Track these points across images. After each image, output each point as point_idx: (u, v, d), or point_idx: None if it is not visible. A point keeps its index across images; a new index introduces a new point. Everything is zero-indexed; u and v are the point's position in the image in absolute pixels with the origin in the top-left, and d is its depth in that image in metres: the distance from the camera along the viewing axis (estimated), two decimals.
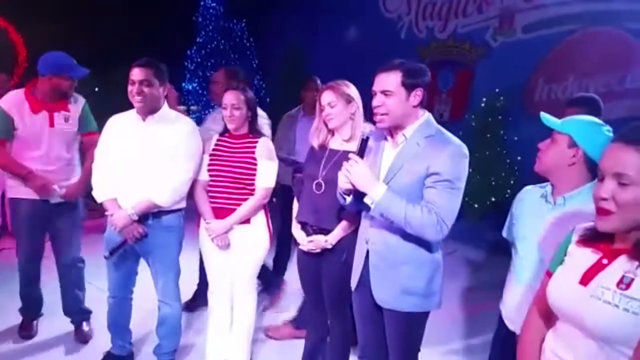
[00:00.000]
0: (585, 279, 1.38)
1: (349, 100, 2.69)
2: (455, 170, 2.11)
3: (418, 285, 2.25)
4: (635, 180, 1.27)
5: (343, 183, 2.16)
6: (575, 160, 1.86)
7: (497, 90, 6.66)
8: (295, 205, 2.95)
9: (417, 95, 2.16)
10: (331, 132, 2.77)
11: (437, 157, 2.11)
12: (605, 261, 1.37)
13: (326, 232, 2.71)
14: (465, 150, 2.16)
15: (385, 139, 2.30)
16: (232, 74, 4.08)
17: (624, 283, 1.29)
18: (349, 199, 2.25)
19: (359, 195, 2.22)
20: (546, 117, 1.91)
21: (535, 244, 1.94)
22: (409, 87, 2.13)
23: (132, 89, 2.85)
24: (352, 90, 2.72)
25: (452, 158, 2.12)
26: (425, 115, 2.24)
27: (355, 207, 2.34)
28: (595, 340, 1.35)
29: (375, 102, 2.17)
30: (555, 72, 6.51)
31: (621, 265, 1.33)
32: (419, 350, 2.45)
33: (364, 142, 2.14)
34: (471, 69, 7.34)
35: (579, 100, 3.30)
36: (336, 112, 2.67)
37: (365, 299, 2.38)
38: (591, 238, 1.42)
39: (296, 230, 2.87)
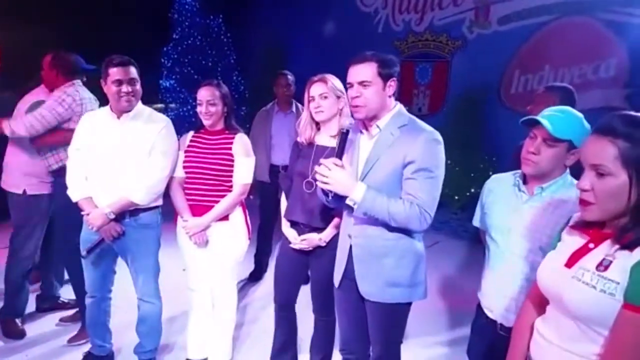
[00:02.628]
0: (570, 262, 1.43)
1: (338, 95, 2.69)
2: (431, 157, 2.13)
3: (403, 276, 2.27)
4: (611, 170, 1.30)
5: (322, 184, 2.14)
6: (573, 161, 1.86)
7: (474, 82, 6.70)
8: (283, 202, 2.94)
9: (392, 85, 2.19)
10: (317, 127, 2.76)
11: (412, 145, 2.12)
12: (591, 245, 1.40)
13: (318, 230, 2.71)
14: (439, 137, 2.18)
15: (361, 132, 2.31)
16: (56, 63, 3.50)
17: (603, 265, 1.33)
18: (330, 196, 2.23)
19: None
20: (548, 126, 1.85)
21: (512, 233, 1.96)
22: (384, 77, 2.16)
23: (119, 88, 2.79)
24: (341, 85, 2.70)
25: (426, 145, 2.13)
26: (398, 106, 2.26)
27: (338, 204, 2.34)
28: (575, 320, 1.39)
29: (352, 93, 2.18)
30: (531, 63, 6.57)
31: (605, 249, 1.37)
32: (401, 342, 2.46)
33: (344, 136, 2.13)
34: (448, 62, 7.38)
35: (556, 88, 3.34)
36: (327, 105, 2.67)
37: (349, 293, 2.39)
38: (583, 224, 1.46)
39: (286, 229, 2.85)
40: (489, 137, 6.56)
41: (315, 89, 2.69)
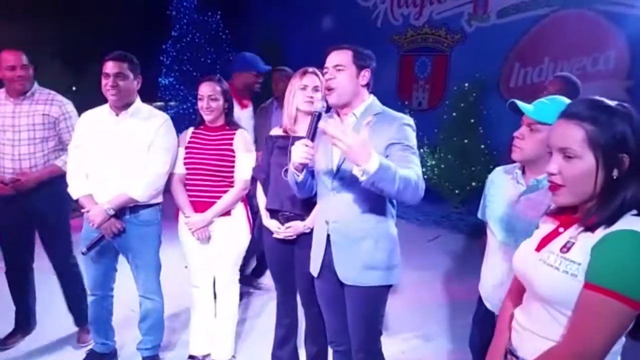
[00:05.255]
0: (540, 246, 1.45)
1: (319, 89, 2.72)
2: (410, 138, 2.21)
3: (380, 259, 2.29)
4: (579, 153, 1.31)
5: (299, 158, 2.15)
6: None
7: (474, 75, 6.70)
8: (261, 196, 2.93)
9: (365, 75, 2.27)
10: (295, 120, 2.77)
11: (389, 130, 2.19)
12: (561, 229, 1.42)
13: (300, 217, 2.72)
14: (412, 122, 2.27)
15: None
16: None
17: (567, 247, 1.35)
18: (301, 176, 2.26)
19: (312, 171, 2.29)
20: (527, 109, 1.89)
21: (508, 225, 1.98)
22: (359, 66, 2.24)
23: (106, 82, 2.81)
24: None
25: (403, 128, 2.21)
26: (372, 97, 2.33)
27: (308, 185, 2.37)
28: (543, 303, 1.40)
29: (327, 76, 2.25)
30: (530, 56, 6.56)
31: (571, 232, 1.38)
32: (381, 333, 2.46)
33: (316, 118, 2.15)
34: (447, 56, 7.37)
35: (563, 78, 3.37)
36: (317, 98, 2.68)
37: (329, 283, 2.41)
38: (556, 210, 1.48)
39: (267, 220, 2.85)
40: (489, 130, 6.56)
41: (313, 80, 2.73)
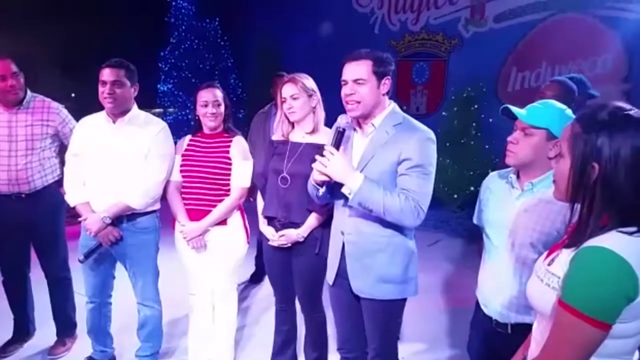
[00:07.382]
0: (547, 255, 1.43)
1: (310, 94, 2.70)
2: (425, 154, 2.16)
3: (394, 272, 2.28)
4: (563, 152, 1.32)
5: (317, 175, 2.15)
6: (556, 152, 1.87)
7: (471, 80, 6.71)
8: (260, 202, 2.94)
9: (386, 84, 2.21)
10: (292, 125, 2.77)
11: (407, 143, 2.15)
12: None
13: (295, 225, 2.71)
14: (433, 136, 2.21)
15: (355, 130, 2.32)
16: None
17: (552, 259, 1.35)
18: (322, 190, 2.23)
19: (332, 186, 2.23)
20: (520, 113, 1.89)
21: (504, 229, 1.97)
22: (379, 75, 2.17)
23: (103, 90, 2.80)
24: (313, 83, 2.73)
25: (420, 143, 2.16)
26: (392, 105, 2.28)
27: (328, 199, 2.34)
28: (538, 315, 1.42)
29: (347, 90, 2.19)
30: (528, 60, 6.60)
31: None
32: (397, 338, 2.46)
33: (340, 134, 2.13)
34: (445, 61, 7.39)
35: (560, 82, 3.40)
36: (299, 106, 2.67)
37: (343, 291, 2.39)
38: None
39: (264, 226, 2.85)
40: (487, 135, 6.57)
41: (286, 90, 2.69)
